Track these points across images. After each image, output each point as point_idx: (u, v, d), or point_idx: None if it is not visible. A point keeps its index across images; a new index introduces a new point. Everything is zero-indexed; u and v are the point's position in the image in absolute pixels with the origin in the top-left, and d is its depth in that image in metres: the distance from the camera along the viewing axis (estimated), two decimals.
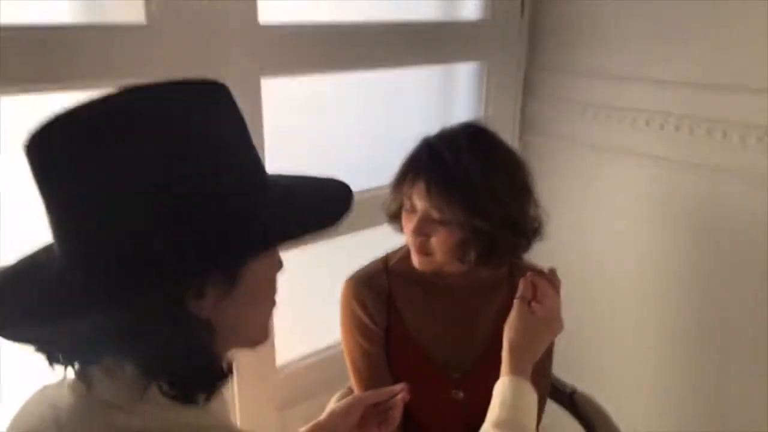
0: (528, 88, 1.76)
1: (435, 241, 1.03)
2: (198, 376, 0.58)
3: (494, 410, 0.88)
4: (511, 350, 0.93)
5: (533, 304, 0.95)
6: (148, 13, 1.07)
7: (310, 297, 1.47)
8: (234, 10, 1.16)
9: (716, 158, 1.46)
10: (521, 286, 0.97)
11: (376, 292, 1.14)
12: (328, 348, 1.57)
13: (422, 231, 1.03)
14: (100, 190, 0.52)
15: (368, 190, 1.45)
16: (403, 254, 1.16)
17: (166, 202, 0.53)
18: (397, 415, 0.99)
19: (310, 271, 1.42)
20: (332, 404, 1.03)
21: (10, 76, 0.94)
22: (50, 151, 0.53)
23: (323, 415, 0.97)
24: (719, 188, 1.48)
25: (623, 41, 1.57)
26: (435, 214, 1.01)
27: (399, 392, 0.99)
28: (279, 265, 0.66)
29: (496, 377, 1.23)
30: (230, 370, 0.62)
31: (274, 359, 1.45)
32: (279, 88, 1.30)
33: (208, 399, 0.60)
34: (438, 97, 1.71)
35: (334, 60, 1.35)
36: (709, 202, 1.51)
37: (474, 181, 0.98)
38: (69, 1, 1.05)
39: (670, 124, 1.53)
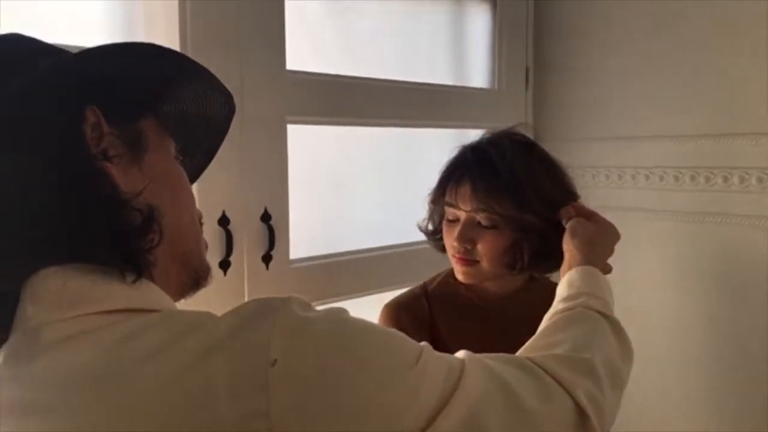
0: None
1: (481, 248, 0.99)
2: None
3: (560, 292, 0.80)
4: (579, 247, 0.87)
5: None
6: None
7: None
8: (263, 55, 1.21)
9: (721, 204, 1.48)
10: (565, 213, 0.96)
11: (416, 317, 1.07)
12: None
13: (467, 237, 0.99)
14: None
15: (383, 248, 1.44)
16: (443, 278, 1.11)
17: None
18: None
19: None
20: None
21: None
22: None
23: None
24: (730, 234, 1.48)
25: (621, 105, 1.65)
26: (482, 217, 0.98)
27: None
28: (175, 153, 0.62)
29: None
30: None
31: None
32: (305, 134, 1.32)
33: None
34: None
35: (354, 112, 1.38)
36: (724, 248, 1.51)
37: (522, 176, 0.96)
38: None
39: (669, 175, 1.57)
